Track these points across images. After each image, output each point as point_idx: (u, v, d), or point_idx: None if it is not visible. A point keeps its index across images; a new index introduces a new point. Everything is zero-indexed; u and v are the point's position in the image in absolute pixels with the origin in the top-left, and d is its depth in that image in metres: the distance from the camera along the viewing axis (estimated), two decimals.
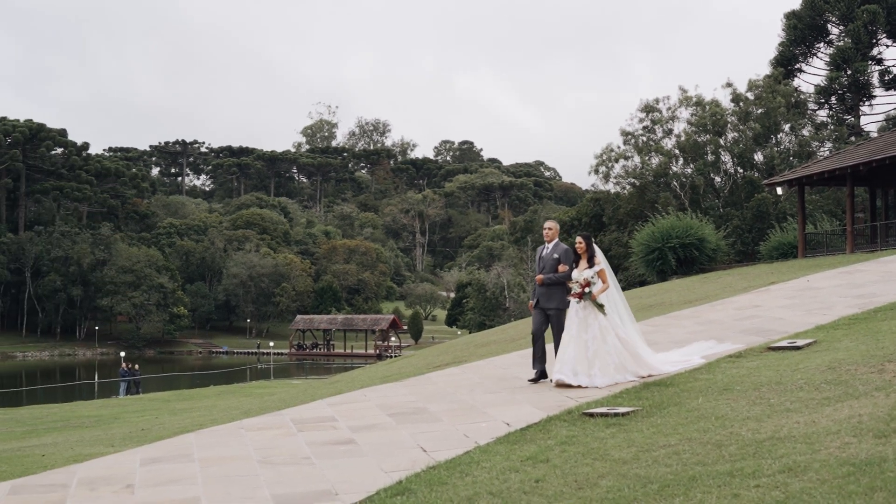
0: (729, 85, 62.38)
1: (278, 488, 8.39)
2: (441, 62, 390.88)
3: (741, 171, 62.25)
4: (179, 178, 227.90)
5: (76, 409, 34.25)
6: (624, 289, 53.15)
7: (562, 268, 13.32)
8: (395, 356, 70.95)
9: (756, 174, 61.04)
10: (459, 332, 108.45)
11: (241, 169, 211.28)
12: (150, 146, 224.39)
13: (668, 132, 62.97)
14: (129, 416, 28.30)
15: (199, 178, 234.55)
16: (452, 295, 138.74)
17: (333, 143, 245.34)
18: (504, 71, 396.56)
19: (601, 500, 6.77)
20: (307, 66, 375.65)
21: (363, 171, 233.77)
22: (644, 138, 62.86)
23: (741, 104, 61.66)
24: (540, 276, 13.52)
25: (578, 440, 9.05)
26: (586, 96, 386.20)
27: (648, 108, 63.16)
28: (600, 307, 12.78)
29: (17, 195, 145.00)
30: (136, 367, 54.63)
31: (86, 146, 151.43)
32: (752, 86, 62.25)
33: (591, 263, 13.08)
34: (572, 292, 12.93)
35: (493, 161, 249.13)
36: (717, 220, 52.52)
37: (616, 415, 9.98)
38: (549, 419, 10.30)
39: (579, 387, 12.33)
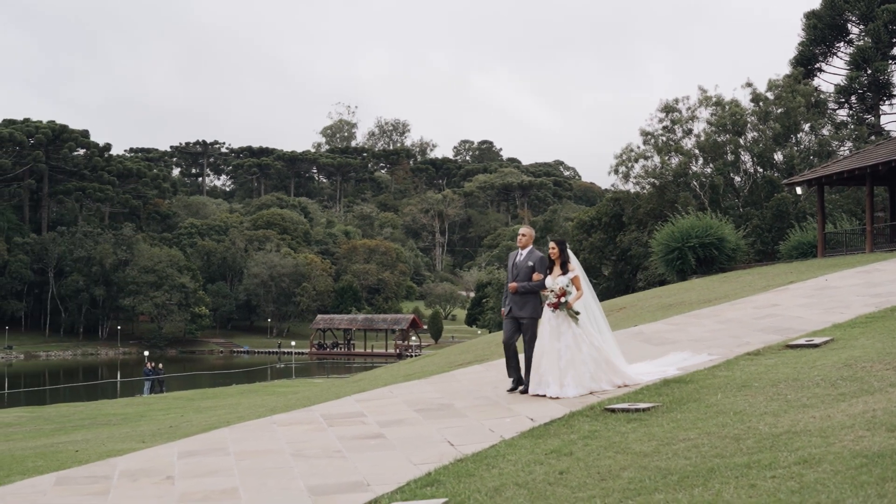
0: (749, 85, 62.44)
1: (312, 480, 8.72)
2: (456, 62, 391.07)
3: (761, 170, 62.24)
4: (200, 179, 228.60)
5: (102, 408, 34.64)
6: (643, 288, 53.26)
7: (536, 276, 12.82)
8: (416, 356, 71.23)
9: (776, 174, 61.04)
10: (479, 332, 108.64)
11: (261, 169, 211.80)
12: (171, 147, 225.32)
13: (688, 132, 63.00)
14: (155, 414, 28.66)
15: (219, 179, 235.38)
16: (472, 294, 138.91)
17: (353, 144, 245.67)
18: (519, 70, 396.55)
19: (623, 491, 7.03)
20: (321, 66, 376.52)
21: (383, 171, 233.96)
22: (664, 138, 62.91)
23: (761, 104, 61.68)
24: (514, 284, 12.94)
25: (600, 434, 9.32)
26: (602, 95, 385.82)
27: (668, 108, 63.23)
28: (575, 315, 12.36)
29: (41, 196, 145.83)
30: (160, 366, 55.04)
31: (108, 147, 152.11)
32: (771, 85, 62.26)
33: (564, 270, 12.64)
34: (548, 302, 12.44)
35: (513, 161, 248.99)
36: (736, 219, 52.61)
37: (637, 410, 10.23)
38: (572, 414, 10.57)
39: (553, 397, 11.94)
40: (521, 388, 12.88)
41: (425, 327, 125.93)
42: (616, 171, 65.10)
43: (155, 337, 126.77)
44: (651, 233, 48.51)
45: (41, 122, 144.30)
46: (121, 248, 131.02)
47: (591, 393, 11.88)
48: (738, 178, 63.17)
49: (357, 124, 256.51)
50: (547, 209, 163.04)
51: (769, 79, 63.39)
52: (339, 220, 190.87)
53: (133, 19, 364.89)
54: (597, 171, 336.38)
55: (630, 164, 64.00)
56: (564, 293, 12.28)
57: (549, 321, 12.37)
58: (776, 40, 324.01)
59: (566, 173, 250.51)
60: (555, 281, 12.46)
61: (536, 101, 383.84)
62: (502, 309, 13.42)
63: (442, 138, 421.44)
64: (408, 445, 9.99)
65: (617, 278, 67.92)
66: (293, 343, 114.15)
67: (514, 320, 13.01)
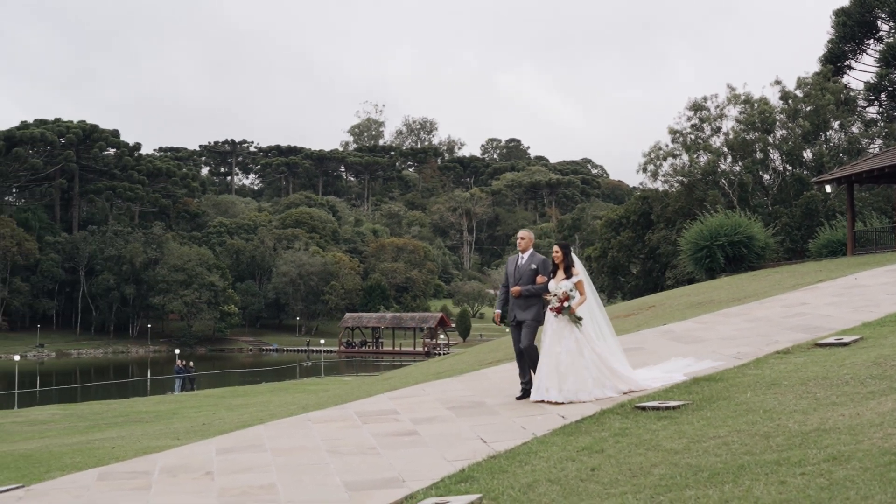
0: (778, 83, 62.28)
1: (348, 476, 8.89)
2: (482, 60, 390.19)
3: (790, 168, 62.06)
4: (229, 178, 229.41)
5: (134, 405, 35.01)
6: (671, 287, 53.20)
7: (540, 279, 12.64)
8: (444, 354, 71.36)
9: (805, 172, 60.84)
10: (507, 330, 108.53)
11: (289, 168, 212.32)
12: (200, 146, 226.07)
13: (717, 130, 62.85)
14: (187, 412, 28.94)
15: (247, 178, 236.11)
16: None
17: (381, 142, 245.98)
18: (545, 68, 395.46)
19: (654, 487, 7.15)
20: (349, 65, 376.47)
21: (410, 170, 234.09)
22: (692, 136, 62.81)
23: (790, 102, 61.50)
24: (517, 288, 12.74)
25: (631, 432, 9.44)
26: (629, 93, 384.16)
27: (696, 107, 63.10)
28: (578, 320, 12.12)
29: (71, 195, 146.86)
30: (191, 364, 55.41)
31: (138, 146, 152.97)
32: (800, 83, 62.05)
33: (568, 274, 12.42)
34: (550, 306, 12.22)
35: (540, 159, 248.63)
36: (765, 217, 52.48)
37: (667, 408, 10.33)
38: (603, 412, 10.69)
39: (553, 403, 11.75)
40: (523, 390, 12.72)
41: (453, 325, 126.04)
42: (644, 170, 65.03)
43: (185, 335, 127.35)
44: (680, 231, 48.46)
45: (72, 121, 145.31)
46: (151, 247, 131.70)
47: (595, 400, 11.59)
48: (767, 177, 62.98)
49: (385, 123, 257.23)
50: (575, 207, 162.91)
51: (798, 77, 63.29)
52: (367, 219, 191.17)
53: (161, 19, 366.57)
54: (624, 168, 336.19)
55: (658, 163, 63.91)
56: (568, 297, 12.12)
57: (550, 325, 12.23)
58: (804, 38, 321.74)
59: (594, 171, 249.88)
60: (558, 285, 12.29)
61: (563, 99, 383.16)
62: (496, 311, 13.32)
63: (469, 137, 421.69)
64: (441, 442, 10.15)
65: (645, 276, 67.87)
66: (322, 341, 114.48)
67: (520, 325, 12.84)
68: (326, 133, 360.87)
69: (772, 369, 12.32)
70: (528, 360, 12.67)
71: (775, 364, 12.81)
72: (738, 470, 7.25)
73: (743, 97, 62.20)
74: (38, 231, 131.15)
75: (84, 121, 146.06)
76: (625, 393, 11.87)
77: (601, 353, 12.14)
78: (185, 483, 9.10)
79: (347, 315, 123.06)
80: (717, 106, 63.18)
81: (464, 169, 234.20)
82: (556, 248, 12.65)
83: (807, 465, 7.07)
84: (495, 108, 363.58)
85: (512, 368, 16.17)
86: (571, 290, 12.16)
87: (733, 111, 62.80)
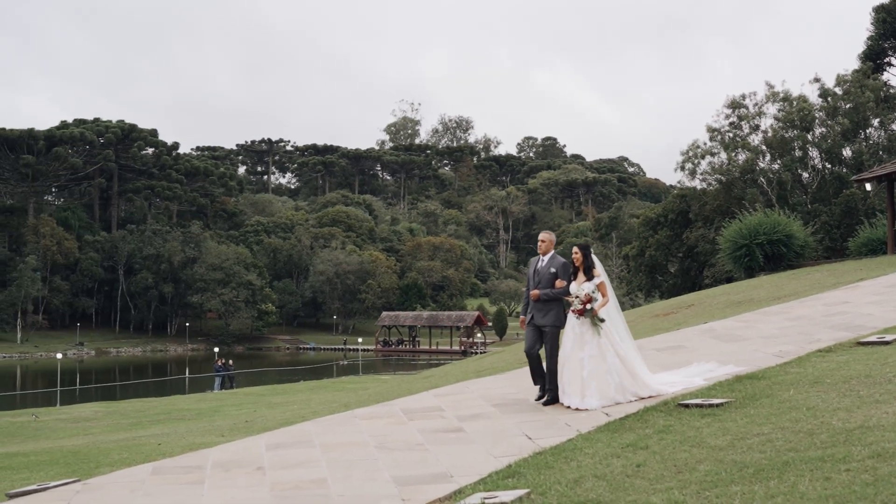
0: (817, 80, 61.94)
1: (397, 471, 9.05)
2: (517, 58, 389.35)
3: (829, 166, 61.67)
4: (265, 177, 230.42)
5: (175, 403, 35.33)
6: (710, 285, 53.07)
7: (559, 283, 12.34)
8: (481, 353, 71.48)
9: (844, 170, 60.47)
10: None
11: (325, 167, 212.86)
12: (237, 145, 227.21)
13: (755, 128, 62.52)
14: (228, 410, 29.19)
15: (284, 177, 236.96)
16: None
17: (417, 141, 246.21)
18: (581, 66, 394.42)
19: (700, 483, 7.25)
20: (383, 64, 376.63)
21: (447, 169, 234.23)
22: (730, 134, 62.54)
23: (829, 99, 61.14)
24: (536, 291, 12.48)
25: (675, 429, 9.53)
26: (665, 91, 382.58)
27: (735, 104, 62.79)
28: (600, 322, 11.90)
29: (110, 194, 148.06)
30: (231, 362, 55.76)
31: (176, 146, 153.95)
32: (840, 81, 61.65)
33: (589, 276, 12.17)
34: (573, 308, 11.97)
35: (577, 157, 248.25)
36: (804, 216, 52.19)
37: (710, 406, 10.40)
38: (647, 409, 10.80)
39: (569, 408, 11.62)
40: (548, 396, 12.44)
41: (490, 324, 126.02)
42: (682, 168, 64.81)
43: (222, 334, 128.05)
44: (718, 230, 48.31)
45: (111, 121, 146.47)
46: (189, 246, 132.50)
47: (616, 404, 11.44)
48: (805, 175, 62.60)
49: (420, 121, 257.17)
50: (612, 206, 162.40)
51: (837, 74, 62.79)
52: (404, 218, 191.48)
53: (197, 19, 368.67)
54: (661, 167, 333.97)
55: (696, 161, 63.66)
56: (590, 299, 11.86)
57: (572, 329, 12.01)
58: (844, 35, 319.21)
59: (630, 169, 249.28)
60: (580, 287, 12.03)
61: (599, 97, 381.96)
62: (521, 317, 12.93)
63: (505, 135, 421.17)
64: (487, 439, 10.29)
65: (683, 275, 67.66)
66: (360, 340, 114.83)
67: (537, 329, 12.55)
68: (362, 132, 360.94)
69: (814, 367, 12.37)
70: (547, 371, 12.49)
71: (818, 362, 12.86)
72: (782, 466, 7.33)
73: (782, 95, 61.86)
74: (78, 230, 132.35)
75: (123, 120, 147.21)
76: (643, 398, 11.67)
77: (624, 357, 11.94)
78: (238, 477, 9.29)
79: (384, 314, 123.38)
80: (756, 104, 62.84)
81: (500, 167, 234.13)
82: (575, 249, 12.46)
83: (851, 462, 7.14)
84: (531, 106, 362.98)
85: None
86: (594, 292, 11.94)
87: (772, 109, 62.45)
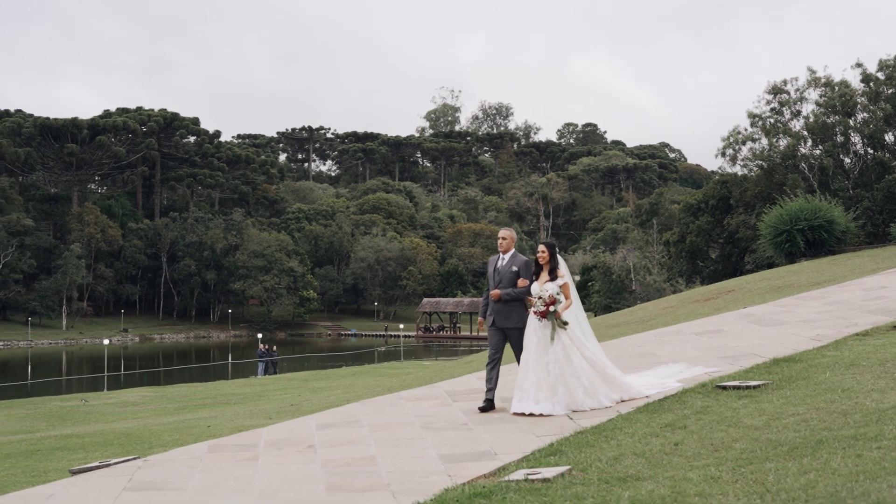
0: (859, 65, 61.52)
1: (442, 449, 9.39)
2: (554, 44, 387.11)
3: (871, 152, 61.34)
4: (306, 164, 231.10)
5: (220, 388, 35.80)
6: (751, 271, 53.00)
7: (521, 282, 11.76)
8: None
9: (887, 155, 60.16)
10: (585, 315, 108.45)
11: (366, 154, 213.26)
12: (277, 133, 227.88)
13: (797, 114, 62.24)
14: (272, 394, 29.59)
15: (324, 164, 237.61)
16: (577, 278, 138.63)
17: (457, 128, 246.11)
18: (619, 51, 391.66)
19: (736, 461, 7.52)
20: (421, 50, 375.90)
21: (486, 155, 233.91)
22: (771, 120, 62.29)
23: (871, 84, 60.76)
24: (496, 291, 11.86)
25: (713, 410, 9.79)
26: (703, 76, 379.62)
27: (776, 90, 62.52)
28: (564, 325, 11.28)
29: (153, 182, 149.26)
30: (274, 348, 56.23)
31: (217, 134, 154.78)
32: (882, 66, 61.21)
33: (553, 276, 11.55)
34: (534, 310, 11.28)
35: (617, 143, 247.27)
36: (846, 201, 51.99)
37: (748, 387, 10.65)
38: (685, 391, 11.04)
39: (541, 415, 10.80)
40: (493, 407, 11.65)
41: None
42: (723, 154, 64.60)
43: (264, 320, 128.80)
44: (759, 215, 48.21)
45: (153, 110, 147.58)
46: (231, 233, 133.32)
47: (590, 410, 10.83)
48: (847, 160, 62.26)
49: (461, 108, 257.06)
50: (652, 192, 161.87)
51: (879, 59, 62.31)
52: (444, 204, 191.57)
53: (231, 6, 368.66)
54: (702, 152, 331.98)
55: (737, 147, 63.45)
56: (554, 301, 11.22)
57: (535, 332, 11.34)
58: (886, 20, 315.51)
59: (671, 155, 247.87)
60: (542, 288, 11.37)
61: (637, 83, 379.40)
62: (479, 319, 12.43)
63: (545, 121, 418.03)
64: (529, 419, 10.61)
65: (724, 261, 67.60)
66: (401, 326, 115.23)
67: (500, 332, 11.95)
68: (401, 119, 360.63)
69: (850, 350, 12.57)
70: (499, 368, 11.91)
71: (854, 345, 13.05)
72: (816, 444, 7.57)
73: (823, 80, 61.53)
74: (122, 218, 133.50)
75: (165, 109, 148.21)
76: (618, 402, 11.07)
77: (592, 360, 11.35)
78: (291, 455, 9.67)
79: (425, 300, 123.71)
80: (797, 89, 62.53)
81: (540, 154, 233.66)
82: (541, 247, 11.82)
83: (883, 440, 7.35)
84: (571, 92, 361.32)
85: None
86: (557, 294, 11.30)
87: (813, 94, 62.12)
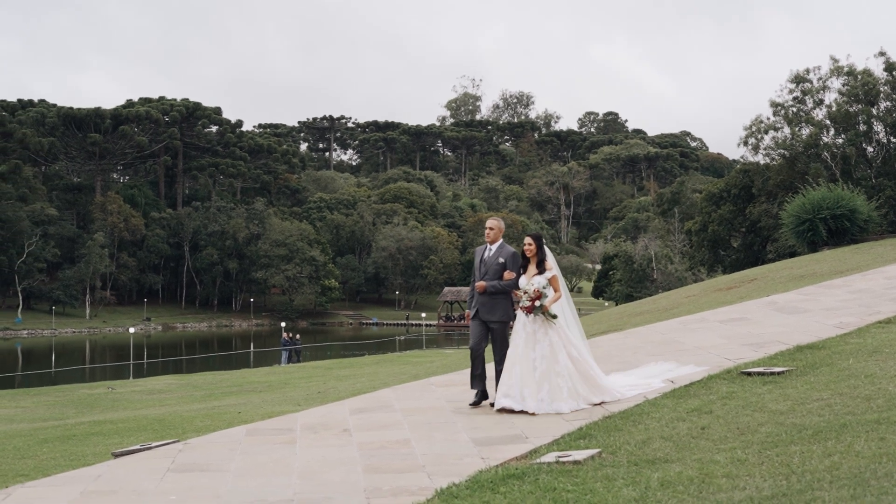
0: (882, 54, 61.28)
1: (475, 433, 9.65)
2: (574, 32, 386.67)
3: (894, 140, 61.21)
4: (327, 154, 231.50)
5: (245, 376, 36.06)
6: (773, 260, 52.99)
7: (508, 275, 11.33)
8: None
9: None
10: (606, 304, 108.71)
11: (386, 143, 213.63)
12: (299, 122, 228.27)
13: (819, 103, 62.09)
14: (297, 382, 29.81)
15: (345, 153, 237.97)
16: (598, 267, 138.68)
17: (477, 117, 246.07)
18: (638, 40, 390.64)
19: (761, 444, 7.75)
20: (440, 39, 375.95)
21: (507, 144, 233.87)
22: (794, 109, 62.16)
23: (894, 73, 60.58)
24: (482, 283, 11.42)
25: (738, 395, 10.01)
26: (724, 64, 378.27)
27: (798, 79, 62.37)
28: (553, 318, 10.91)
29: (175, 172, 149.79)
30: (298, 336, 56.54)
31: (239, 123, 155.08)
32: None
33: (541, 269, 11.18)
34: (521, 305, 10.95)
35: (638, 132, 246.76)
36: (869, 190, 51.91)
37: (772, 373, 10.86)
38: (711, 377, 11.25)
39: (524, 412, 10.47)
40: (487, 401, 11.41)
41: None
42: (745, 143, 64.51)
43: (286, 309, 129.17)
44: (781, 205, 48.22)
45: (175, 100, 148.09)
46: (253, 223, 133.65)
47: (573, 411, 10.41)
48: (870, 149, 62.11)
49: (481, 97, 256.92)
50: (674, 181, 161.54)
51: None
52: (465, 193, 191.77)
53: None
54: (723, 141, 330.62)
55: (760, 136, 63.38)
56: (540, 295, 10.85)
57: (523, 327, 10.98)
58: None
59: (693, 144, 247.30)
60: (529, 281, 11.04)
61: (657, 71, 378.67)
62: (467, 311, 11.84)
63: (566, 110, 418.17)
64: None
65: (746, 250, 67.61)
66: (423, 315, 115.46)
67: (483, 324, 11.55)
68: (420, 108, 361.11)
69: (873, 338, 12.74)
70: (496, 373, 11.39)
71: (877, 333, 13.22)
72: (839, 428, 7.78)
73: (846, 69, 61.37)
74: (144, 207, 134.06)
75: (187, 99, 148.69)
76: (596, 404, 10.63)
77: (577, 357, 10.95)
78: (327, 438, 9.94)
79: (446, 289, 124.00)
80: (820, 78, 62.39)
81: (561, 143, 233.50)
82: (528, 239, 11.40)
83: None
84: (591, 80, 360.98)
85: (622, 338, 16.73)
86: (545, 287, 10.95)
87: (836, 83, 61.95)
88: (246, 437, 10.26)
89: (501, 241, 11.73)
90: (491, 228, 11.72)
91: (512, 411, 10.53)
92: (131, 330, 72.68)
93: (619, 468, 7.46)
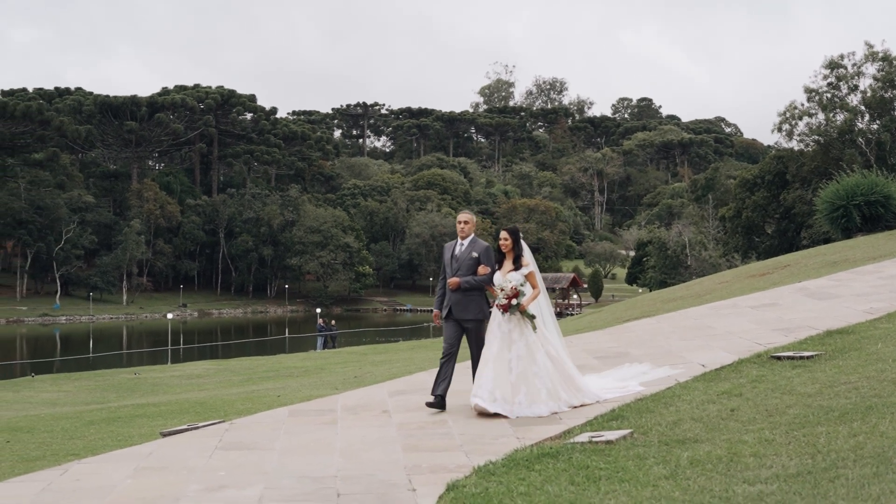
0: None
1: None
2: (603, 18, 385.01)
3: None
4: (361, 140, 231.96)
5: (281, 361, 36.40)
6: (807, 246, 52.93)
7: (482, 269, 10.67)
8: (576, 314, 72.07)
9: None
10: (640, 290, 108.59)
11: (420, 130, 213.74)
12: (332, 109, 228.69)
13: (854, 88, 61.93)
14: (333, 367, 30.09)
15: (379, 140, 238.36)
16: (632, 253, 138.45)
17: (511, 103, 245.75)
18: (668, 25, 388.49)
19: (789, 425, 8.00)
20: (470, 25, 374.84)
21: (541, 131, 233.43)
22: (828, 95, 62.00)
23: None
24: (454, 280, 10.73)
25: (767, 379, 10.25)
26: (757, 49, 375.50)
27: (833, 65, 62.21)
28: (531, 318, 10.38)
29: (211, 159, 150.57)
30: (333, 322, 56.95)
31: (274, 110, 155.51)
32: None
33: (517, 265, 10.60)
34: (497, 303, 10.36)
35: (672, 118, 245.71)
36: None
37: (801, 358, 11.09)
38: (741, 361, 11.49)
39: (497, 415, 9.94)
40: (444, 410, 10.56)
41: (585, 286, 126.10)
42: (779, 129, 64.48)
43: (321, 295, 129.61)
44: (815, 191, 48.20)
45: (210, 87, 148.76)
46: (287, 209, 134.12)
47: (552, 414, 9.96)
48: None
49: (514, 84, 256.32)
50: (708, 167, 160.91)
51: None
52: (498, 180, 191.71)
53: None
54: (758, 127, 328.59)
55: (794, 122, 63.30)
56: (517, 293, 10.30)
57: (499, 326, 10.40)
58: None
59: (727, 130, 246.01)
60: (505, 277, 10.46)
61: (690, 56, 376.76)
62: (434, 311, 11.18)
63: (599, 96, 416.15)
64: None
65: (780, 236, 67.55)
66: None
67: (457, 324, 10.81)
68: (453, 94, 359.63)
69: None
70: (451, 365, 10.76)
71: None
72: (866, 410, 8.02)
73: (881, 55, 61.16)
74: (180, 194, 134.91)
75: (222, 86, 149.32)
76: (574, 407, 10.14)
77: (556, 357, 10.48)
78: (367, 419, 10.27)
79: None
80: (854, 64, 62.21)
81: (594, 129, 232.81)
82: (503, 233, 10.82)
83: None
84: (623, 66, 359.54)
85: (654, 323, 16.94)
86: (522, 284, 10.42)
87: (871, 69, 61.77)
88: (289, 417, 10.61)
89: (473, 235, 11.06)
90: (466, 222, 10.98)
91: (485, 413, 9.99)
92: (169, 316, 73.43)
93: (650, 448, 7.73)
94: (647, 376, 11.34)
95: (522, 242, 10.76)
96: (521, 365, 10.15)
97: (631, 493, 6.52)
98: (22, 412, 20.79)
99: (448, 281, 10.81)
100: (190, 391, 24.81)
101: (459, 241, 11.00)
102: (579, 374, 10.75)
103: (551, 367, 10.25)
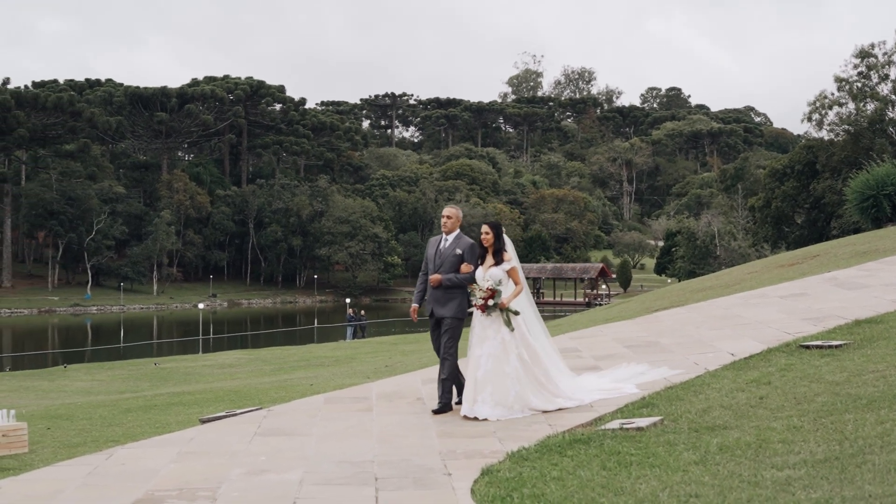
0: None
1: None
2: (632, 7, 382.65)
3: None
4: (389, 131, 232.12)
5: (312, 351, 36.77)
6: (837, 236, 52.83)
7: (465, 267, 10.33)
8: (605, 304, 72.11)
9: None
10: (669, 281, 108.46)
11: (448, 120, 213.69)
12: (361, 99, 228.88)
13: (884, 78, 61.63)
14: (364, 357, 30.41)
15: (407, 130, 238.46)
16: (661, 243, 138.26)
17: (539, 93, 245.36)
18: (696, 14, 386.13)
19: (817, 412, 8.15)
20: (497, 15, 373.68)
21: (569, 120, 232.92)
22: (858, 84, 61.73)
23: None
24: (436, 276, 10.44)
25: (796, 367, 10.39)
26: (786, 38, 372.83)
27: (864, 54, 61.93)
28: (516, 314, 10.04)
29: (240, 150, 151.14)
30: (362, 312, 57.25)
31: (303, 101, 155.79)
32: None
33: (498, 260, 10.18)
34: (474, 303, 10.07)
35: (701, 107, 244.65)
36: None
37: (830, 347, 11.20)
38: (770, 350, 11.63)
39: (481, 419, 9.63)
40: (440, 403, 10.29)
41: (614, 276, 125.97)
42: (809, 119, 64.29)
43: (350, 286, 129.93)
44: (845, 181, 48.07)
45: (240, 78, 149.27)
46: (316, 200, 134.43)
47: (521, 417, 9.65)
48: None
49: (543, 73, 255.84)
50: (737, 157, 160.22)
51: None
52: (527, 170, 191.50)
53: None
54: (787, 116, 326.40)
55: (824, 112, 63.09)
56: (494, 293, 9.92)
57: (479, 322, 10.16)
58: None
59: (757, 119, 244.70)
60: (486, 273, 10.11)
61: (718, 45, 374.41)
62: (413, 305, 11.08)
63: (628, 86, 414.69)
64: None
65: (810, 226, 67.36)
66: None
67: (439, 322, 10.62)
68: (480, 85, 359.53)
69: None
70: (440, 373, 10.48)
71: None
72: (893, 398, 8.14)
73: None
74: (210, 185, 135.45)
75: (251, 77, 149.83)
76: (547, 412, 9.73)
77: (531, 360, 10.03)
78: (401, 406, 10.50)
79: None
80: (885, 53, 61.91)
81: (623, 119, 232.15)
82: (485, 227, 10.42)
83: None
84: (651, 56, 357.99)
85: (684, 313, 17.07)
86: (499, 284, 10.01)
87: None
88: (325, 404, 10.84)
89: (458, 231, 10.68)
90: (448, 217, 10.64)
91: (474, 419, 9.65)
92: (200, 306, 73.90)
93: (680, 434, 7.91)
94: (645, 377, 11.08)
95: (505, 237, 10.39)
96: (489, 363, 9.85)
97: (661, 477, 6.69)
98: (58, 400, 21.17)
99: (430, 278, 10.57)
100: (223, 380, 25.15)
101: (443, 236, 10.73)
102: (569, 375, 10.49)
103: (521, 372, 9.84)
